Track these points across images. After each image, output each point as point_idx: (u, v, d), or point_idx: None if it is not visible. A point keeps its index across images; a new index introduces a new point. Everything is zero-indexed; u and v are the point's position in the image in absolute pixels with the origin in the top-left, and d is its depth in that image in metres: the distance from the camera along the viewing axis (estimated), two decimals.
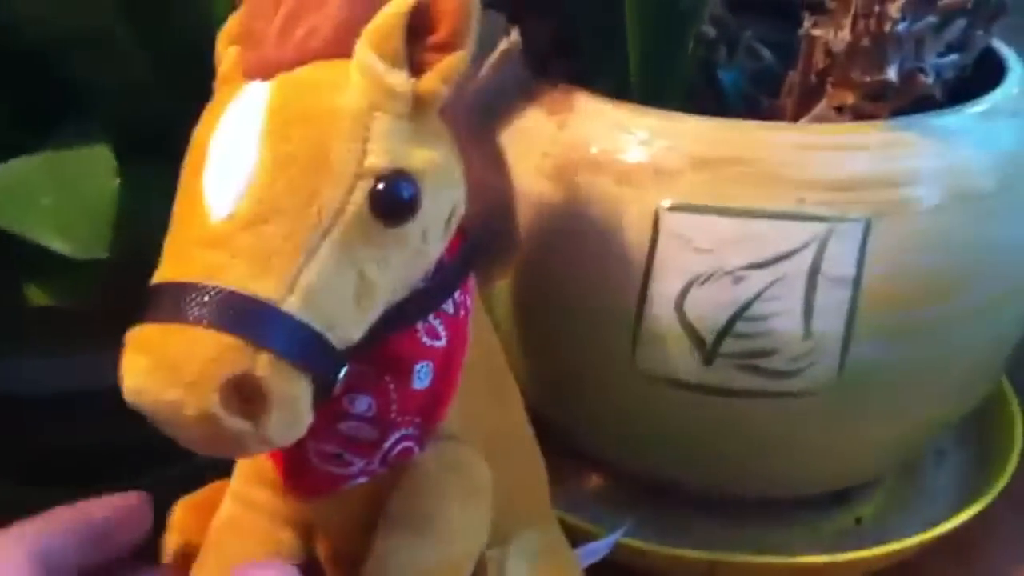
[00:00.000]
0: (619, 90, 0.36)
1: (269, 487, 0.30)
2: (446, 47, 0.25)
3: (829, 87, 0.34)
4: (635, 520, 0.38)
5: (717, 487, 0.39)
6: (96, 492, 0.31)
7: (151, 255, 0.29)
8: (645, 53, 0.36)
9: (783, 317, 0.33)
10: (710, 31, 0.38)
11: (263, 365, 0.23)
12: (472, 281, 0.30)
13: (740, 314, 0.33)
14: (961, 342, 0.35)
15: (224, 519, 0.30)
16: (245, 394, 0.23)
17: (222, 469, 0.31)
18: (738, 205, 0.33)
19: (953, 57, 0.37)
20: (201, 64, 0.30)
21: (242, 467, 0.31)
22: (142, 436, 0.32)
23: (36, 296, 0.32)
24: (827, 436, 0.36)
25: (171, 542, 0.31)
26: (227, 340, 0.22)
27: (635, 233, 0.34)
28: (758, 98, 0.38)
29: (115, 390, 0.27)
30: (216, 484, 0.32)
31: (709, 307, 0.33)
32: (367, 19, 0.25)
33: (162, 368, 0.22)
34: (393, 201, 0.24)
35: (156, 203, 0.30)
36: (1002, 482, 0.40)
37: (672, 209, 0.33)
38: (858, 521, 0.41)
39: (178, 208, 0.25)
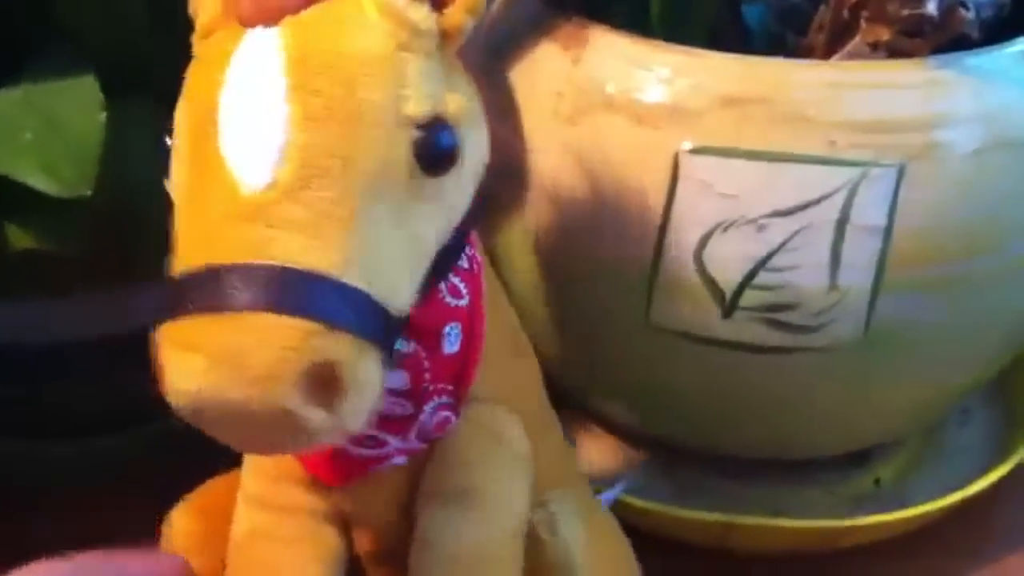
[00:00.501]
0: (638, 24, 0.34)
1: (300, 484, 0.27)
2: None
3: (863, 22, 0.32)
4: (646, 480, 0.37)
5: (732, 447, 0.37)
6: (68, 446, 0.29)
7: (139, 198, 0.27)
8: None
9: (808, 269, 0.31)
10: None
11: (341, 348, 0.20)
12: (475, 233, 0.28)
13: (763, 264, 0.31)
14: (997, 299, 0.34)
15: (251, 529, 0.27)
16: (322, 381, 0.20)
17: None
18: (764, 148, 0.31)
19: None
20: None
21: (259, 468, 0.28)
22: (120, 390, 0.30)
23: (18, 238, 0.31)
24: (849, 396, 0.34)
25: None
26: (299, 324, 0.20)
27: (653, 177, 0.32)
28: (785, 36, 0.36)
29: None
30: (213, 484, 0.30)
31: (730, 257, 0.31)
32: None
33: (223, 364, 0.20)
34: (438, 150, 0.23)
35: (141, 142, 0.29)
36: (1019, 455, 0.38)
37: (693, 152, 0.31)
38: (877, 483, 0.39)
39: (190, 181, 0.22)
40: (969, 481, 0.37)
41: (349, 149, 0.21)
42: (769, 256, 0.31)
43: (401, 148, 0.22)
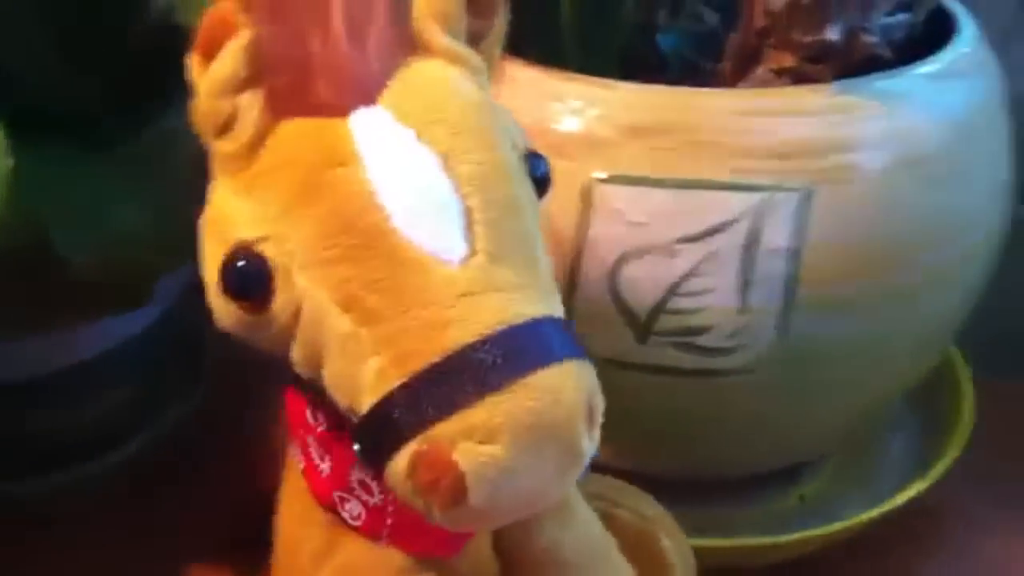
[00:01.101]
0: (552, 57, 0.34)
1: (418, 571, 0.26)
2: (487, 11, 0.24)
3: (769, 49, 0.32)
4: None
5: (655, 468, 0.37)
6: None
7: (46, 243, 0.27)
8: (578, 16, 0.34)
9: (718, 292, 0.32)
10: None
11: (593, 379, 0.22)
12: None
13: (674, 290, 0.32)
14: (907, 315, 0.34)
15: None
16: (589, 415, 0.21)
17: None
18: (672, 176, 0.31)
19: (902, 16, 0.35)
20: (103, 38, 0.28)
21: (375, 566, 0.26)
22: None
23: None
24: (768, 414, 0.35)
25: None
26: (574, 366, 0.21)
27: (567, 207, 0.32)
28: (699, 63, 0.36)
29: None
30: None
31: (643, 283, 0.32)
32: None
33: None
34: (541, 176, 0.23)
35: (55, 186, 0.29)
36: (951, 456, 0.39)
37: (605, 181, 0.32)
38: (802, 499, 0.40)
39: (379, 271, 0.21)
40: (894, 493, 0.38)
41: (511, 197, 0.22)
42: (680, 281, 0.32)
43: (528, 185, 0.23)
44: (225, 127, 0.22)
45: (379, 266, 0.21)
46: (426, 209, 0.21)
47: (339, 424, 0.24)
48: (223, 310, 0.23)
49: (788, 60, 0.32)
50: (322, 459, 0.25)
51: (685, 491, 0.38)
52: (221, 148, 0.23)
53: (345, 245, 0.21)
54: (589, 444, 0.21)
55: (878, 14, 0.35)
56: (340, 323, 0.21)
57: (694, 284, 0.32)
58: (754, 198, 0.31)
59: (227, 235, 0.22)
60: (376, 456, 0.21)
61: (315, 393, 0.23)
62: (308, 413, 0.25)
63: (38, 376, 0.38)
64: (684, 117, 0.32)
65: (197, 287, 0.24)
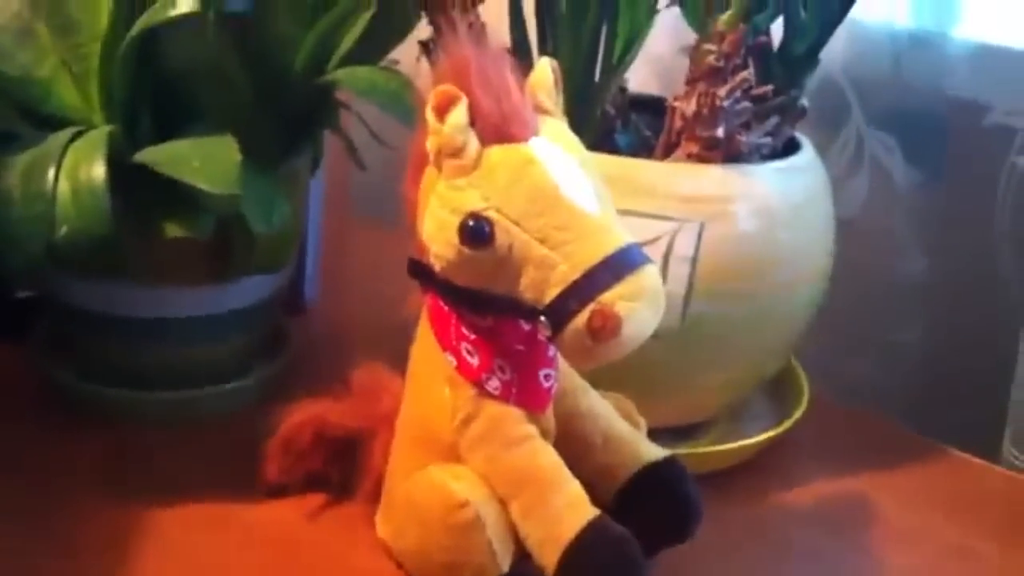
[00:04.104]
0: None
1: (529, 422, 0.45)
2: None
3: (683, 140, 0.54)
4: None
5: None
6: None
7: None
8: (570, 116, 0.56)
9: None
10: (611, 110, 0.58)
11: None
12: None
13: None
14: (766, 311, 0.55)
15: (529, 450, 0.44)
16: None
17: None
18: (625, 208, 0.52)
19: (767, 140, 0.57)
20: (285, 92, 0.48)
21: (514, 419, 0.44)
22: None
23: (171, 229, 0.50)
24: (675, 371, 0.55)
25: None
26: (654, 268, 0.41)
27: None
28: (640, 154, 0.58)
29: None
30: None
31: None
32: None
33: (654, 299, 0.40)
34: None
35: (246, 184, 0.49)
36: (794, 418, 0.59)
37: None
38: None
39: (559, 220, 0.40)
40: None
41: (604, 186, 0.42)
42: None
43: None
44: (458, 151, 0.41)
45: (558, 215, 0.40)
46: (579, 188, 0.41)
47: (483, 329, 0.44)
48: (455, 253, 0.41)
49: (694, 148, 0.53)
50: (471, 356, 0.45)
51: None
52: (455, 162, 0.41)
53: (538, 203, 0.41)
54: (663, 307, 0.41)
55: (756, 134, 0.57)
56: (538, 249, 0.40)
57: None
58: (671, 225, 0.52)
59: (459, 208, 0.41)
60: (561, 320, 0.40)
61: (474, 307, 0.43)
62: (463, 329, 0.45)
63: (194, 317, 0.57)
64: (632, 175, 0.53)
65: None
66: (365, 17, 0.53)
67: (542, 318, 0.40)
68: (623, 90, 0.60)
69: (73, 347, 0.59)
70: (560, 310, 0.40)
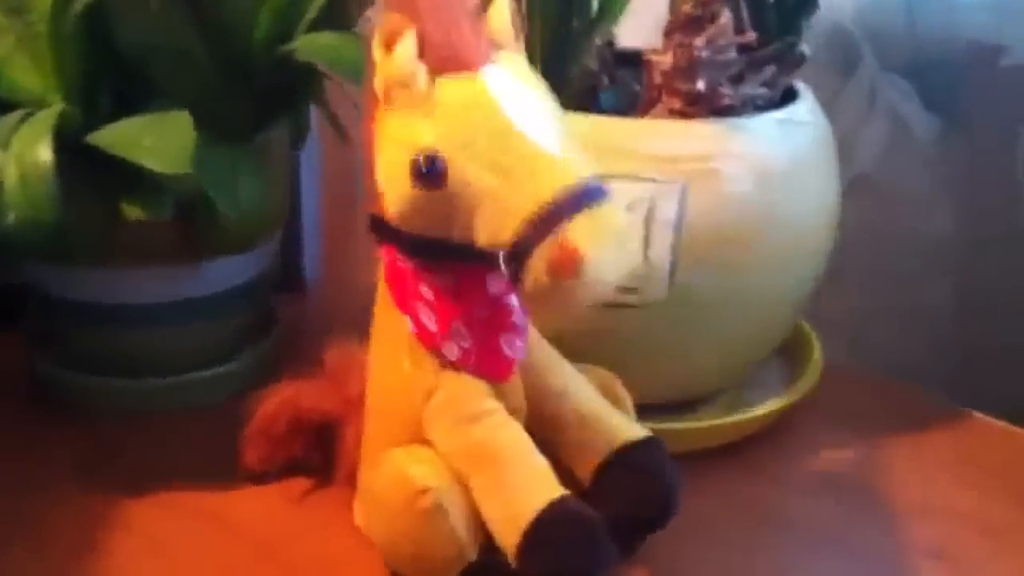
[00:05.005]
0: None
1: (489, 396, 0.42)
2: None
3: (664, 96, 0.51)
4: None
5: None
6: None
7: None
8: (544, 70, 0.53)
9: None
10: (594, 65, 0.55)
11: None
12: None
13: None
14: (759, 280, 0.51)
15: (485, 430, 0.41)
16: None
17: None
18: (603, 171, 0.49)
19: (763, 90, 0.54)
20: (247, 71, 0.46)
21: (470, 392, 0.42)
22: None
23: (130, 211, 0.49)
24: (666, 343, 0.52)
25: None
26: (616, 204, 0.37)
27: None
28: (626, 111, 0.55)
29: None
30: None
31: None
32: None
33: (615, 234, 0.37)
34: None
35: (211, 161, 0.47)
36: (800, 388, 0.56)
37: None
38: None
39: (513, 152, 0.37)
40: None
41: (563, 119, 0.39)
42: None
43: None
44: (406, 83, 0.38)
45: (512, 148, 0.37)
46: (535, 120, 0.38)
47: (443, 290, 0.41)
48: (407, 195, 0.39)
49: (676, 104, 0.50)
50: (429, 319, 0.42)
51: None
52: (402, 95, 0.39)
53: (492, 138, 0.37)
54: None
55: (749, 85, 0.53)
56: (490, 179, 0.37)
57: None
58: (652, 187, 0.49)
59: (410, 144, 0.38)
60: (521, 257, 0.36)
61: (433, 258, 0.41)
62: (421, 288, 0.42)
63: (172, 301, 0.55)
64: (604, 135, 0.49)
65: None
66: None
67: (500, 259, 0.38)
68: (610, 44, 0.57)
69: (52, 334, 0.58)
70: (518, 248, 0.37)
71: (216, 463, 0.52)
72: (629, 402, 0.48)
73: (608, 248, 0.37)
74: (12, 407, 0.57)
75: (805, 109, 0.54)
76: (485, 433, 0.42)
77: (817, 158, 0.54)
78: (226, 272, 0.56)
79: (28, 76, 0.50)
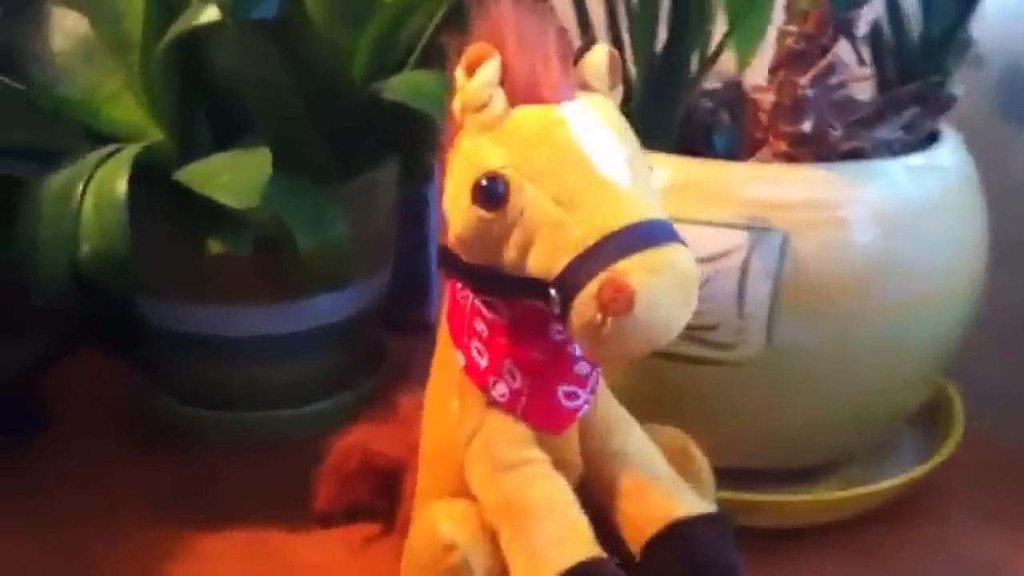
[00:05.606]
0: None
1: (534, 445, 0.39)
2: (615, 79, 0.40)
3: (770, 138, 0.46)
4: None
5: None
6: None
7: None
8: (646, 113, 0.49)
9: (722, 299, 0.45)
10: (708, 103, 0.51)
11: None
12: None
13: None
14: (871, 335, 0.46)
15: (519, 480, 0.39)
16: None
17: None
18: (693, 216, 0.45)
19: (900, 134, 0.48)
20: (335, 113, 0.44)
21: (510, 440, 0.39)
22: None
23: (213, 246, 0.49)
24: (764, 404, 0.47)
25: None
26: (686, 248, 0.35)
27: None
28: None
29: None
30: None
31: None
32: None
33: (680, 275, 0.34)
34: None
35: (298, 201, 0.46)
36: (941, 457, 0.50)
37: None
38: None
39: (580, 184, 0.35)
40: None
41: (643, 162, 0.37)
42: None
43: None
44: (483, 106, 0.37)
45: (580, 178, 0.36)
46: (609, 156, 0.36)
47: (498, 326, 0.39)
48: (468, 216, 0.37)
49: (783, 146, 0.45)
50: (481, 356, 0.40)
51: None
52: (479, 118, 0.37)
53: (561, 170, 0.36)
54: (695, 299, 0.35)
55: (887, 129, 0.48)
56: (554, 211, 0.35)
57: (705, 292, 0.44)
58: (750, 235, 0.44)
59: (478, 166, 0.37)
60: (572, 289, 0.34)
61: (488, 289, 0.38)
62: (476, 323, 0.40)
63: (268, 336, 0.55)
64: (696, 179, 0.46)
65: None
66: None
67: (552, 292, 0.35)
68: (737, 84, 0.53)
69: (156, 364, 0.59)
70: (570, 280, 0.35)
71: (291, 500, 0.50)
72: (706, 465, 0.44)
73: (666, 290, 0.34)
74: (112, 431, 0.58)
75: (945, 154, 0.48)
76: (519, 483, 0.39)
77: (956, 205, 0.48)
78: (318, 310, 0.55)
79: (130, 112, 0.51)
